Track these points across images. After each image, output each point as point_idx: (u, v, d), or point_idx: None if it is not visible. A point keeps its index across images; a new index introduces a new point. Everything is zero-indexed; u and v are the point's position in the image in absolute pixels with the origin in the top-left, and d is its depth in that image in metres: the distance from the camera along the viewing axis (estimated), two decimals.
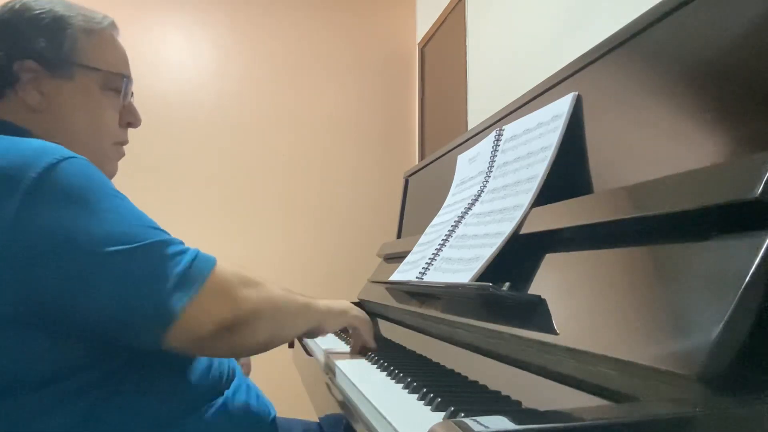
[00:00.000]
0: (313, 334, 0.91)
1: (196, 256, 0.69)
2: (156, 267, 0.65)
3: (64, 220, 0.63)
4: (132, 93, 0.90)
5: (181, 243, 0.70)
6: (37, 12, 0.80)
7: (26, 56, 0.78)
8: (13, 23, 0.79)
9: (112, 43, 0.87)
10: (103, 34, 0.85)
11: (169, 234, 0.70)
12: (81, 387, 0.66)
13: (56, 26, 0.80)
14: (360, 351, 1.01)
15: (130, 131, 0.92)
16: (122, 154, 0.90)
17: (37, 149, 0.66)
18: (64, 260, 0.62)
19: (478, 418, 0.38)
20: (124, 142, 0.89)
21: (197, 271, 0.68)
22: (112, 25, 0.87)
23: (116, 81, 0.85)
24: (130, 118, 0.89)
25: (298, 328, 0.84)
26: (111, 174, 0.88)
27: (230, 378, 0.85)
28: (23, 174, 0.63)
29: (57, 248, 0.62)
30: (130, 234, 0.65)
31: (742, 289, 0.41)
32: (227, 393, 0.82)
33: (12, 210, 0.62)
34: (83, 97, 0.82)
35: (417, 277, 1.02)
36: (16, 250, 0.62)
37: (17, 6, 0.80)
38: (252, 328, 0.73)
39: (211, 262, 0.71)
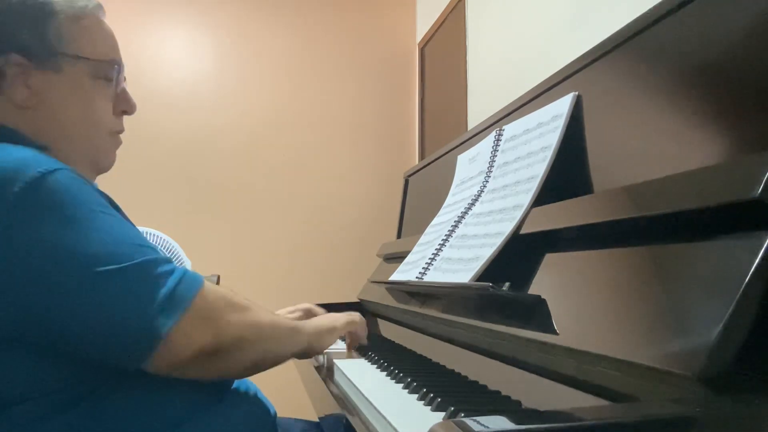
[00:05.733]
0: (305, 355, 0.89)
1: (182, 277, 0.67)
2: (143, 288, 0.64)
3: (50, 238, 0.61)
4: (125, 78, 0.85)
5: (170, 261, 0.68)
6: (19, 0, 0.74)
7: (10, 49, 0.74)
8: None
9: (99, 28, 0.81)
10: (89, 19, 0.80)
11: (157, 251, 0.68)
12: (66, 401, 0.64)
13: (40, 15, 0.75)
14: (356, 348, 1.02)
15: (131, 127, 0.89)
16: (119, 143, 0.85)
17: (20, 161, 0.63)
18: (49, 279, 0.61)
19: (478, 418, 0.38)
20: (120, 130, 0.85)
21: (182, 293, 0.66)
22: (98, 8, 0.82)
23: (107, 69, 0.81)
24: (124, 106, 0.84)
25: (286, 352, 0.82)
26: (109, 165, 0.85)
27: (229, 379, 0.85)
28: (5, 188, 0.60)
29: (42, 267, 0.60)
30: (118, 254, 0.63)
31: (742, 289, 0.41)
32: (226, 393, 0.81)
33: None
34: (73, 89, 0.78)
35: (417, 277, 1.02)
36: None
37: None
38: (235, 355, 0.72)
39: (197, 284, 0.68)
